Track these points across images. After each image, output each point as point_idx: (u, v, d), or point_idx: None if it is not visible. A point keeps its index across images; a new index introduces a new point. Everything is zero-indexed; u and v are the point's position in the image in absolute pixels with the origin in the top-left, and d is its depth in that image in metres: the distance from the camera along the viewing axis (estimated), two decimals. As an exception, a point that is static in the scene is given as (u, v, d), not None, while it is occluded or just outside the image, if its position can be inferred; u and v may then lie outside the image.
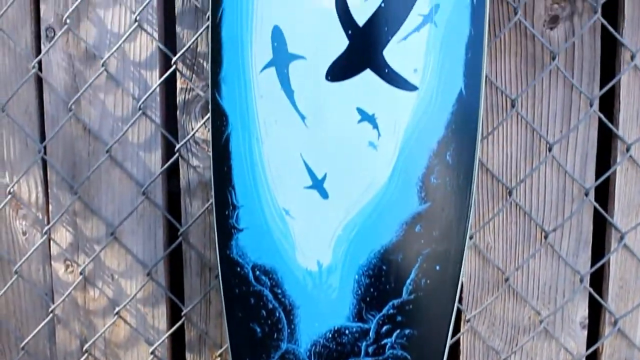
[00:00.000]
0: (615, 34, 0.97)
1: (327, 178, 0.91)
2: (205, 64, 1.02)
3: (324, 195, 0.91)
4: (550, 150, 0.99)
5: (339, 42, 0.89)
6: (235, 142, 0.93)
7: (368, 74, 0.89)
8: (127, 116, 1.04)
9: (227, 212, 0.94)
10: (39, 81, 1.06)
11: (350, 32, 0.89)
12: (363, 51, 0.89)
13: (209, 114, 0.93)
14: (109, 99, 1.05)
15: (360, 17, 0.88)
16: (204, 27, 1.00)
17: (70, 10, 1.03)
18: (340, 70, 0.89)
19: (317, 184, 0.91)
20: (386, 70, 0.88)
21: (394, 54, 0.88)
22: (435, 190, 0.90)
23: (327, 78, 0.89)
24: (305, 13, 0.89)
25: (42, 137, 1.07)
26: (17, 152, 1.08)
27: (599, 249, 1.03)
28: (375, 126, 0.89)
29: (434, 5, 0.87)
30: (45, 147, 1.07)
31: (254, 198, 0.93)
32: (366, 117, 0.89)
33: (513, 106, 0.99)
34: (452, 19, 0.88)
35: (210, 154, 0.93)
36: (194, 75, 1.03)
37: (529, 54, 0.99)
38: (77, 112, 1.05)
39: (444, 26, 0.88)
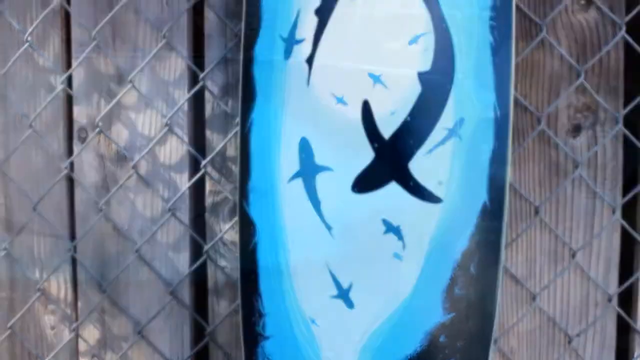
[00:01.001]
0: (637, 142, 0.98)
1: (352, 288, 0.92)
2: (233, 167, 1.05)
3: (350, 305, 0.92)
4: (573, 256, 1.00)
5: (365, 155, 0.91)
6: (262, 251, 0.95)
7: (393, 186, 0.91)
8: (156, 217, 1.07)
9: (253, 319, 0.95)
10: (70, 180, 1.09)
11: (376, 145, 0.91)
12: (389, 164, 0.91)
13: (236, 217, 0.95)
14: (139, 200, 1.07)
15: (387, 130, 0.90)
16: (232, 133, 1.03)
17: (103, 113, 1.06)
18: (366, 183, 0.91)
19: (343, 294, 0.93)
20: (411, 183, 0.90)
21: (419, 166, 0.90)
22: (459, 301, 0.91)
23: (353, 190, 0.91)
24: (332, 125, 0.91)
25: (72, 235, 1.10)
26: (47, 249, 1.11)
27: (623, 354, 1.03)
28: (401, 237, 0.91)
29: (458, 119, 0.89)
30: (75, 246, 1.09)
31: (280, 307, 0.94)
32: (391, 228, 0.91)
33: (537, 213, 1.00)
34: (476, 133, 0.90)
35: (238, 258, 0.95)
36: (222, 178, 1.05)
37: (552, 161, 1.00)
38: (107, 212, 1.08)
39: (468, 140, 0.89)
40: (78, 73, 1.07)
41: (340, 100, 0.90)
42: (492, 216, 0.90)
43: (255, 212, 0.95)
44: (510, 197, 0.98)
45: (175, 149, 1.06)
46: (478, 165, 0.91)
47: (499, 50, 0.88)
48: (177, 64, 1.05)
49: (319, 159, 0.93)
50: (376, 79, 0.90)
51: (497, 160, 0.90)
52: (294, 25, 0.92)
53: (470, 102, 0.89)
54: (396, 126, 0.90)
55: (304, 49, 0.91)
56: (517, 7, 0.95)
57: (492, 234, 0.91)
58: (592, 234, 1.00)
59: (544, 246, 1.01)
